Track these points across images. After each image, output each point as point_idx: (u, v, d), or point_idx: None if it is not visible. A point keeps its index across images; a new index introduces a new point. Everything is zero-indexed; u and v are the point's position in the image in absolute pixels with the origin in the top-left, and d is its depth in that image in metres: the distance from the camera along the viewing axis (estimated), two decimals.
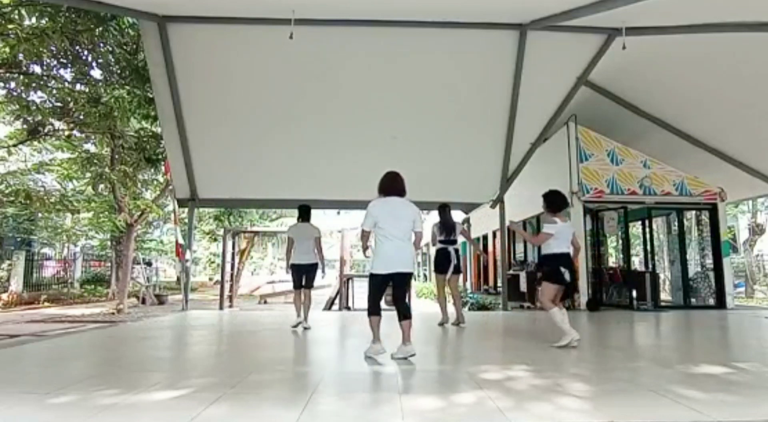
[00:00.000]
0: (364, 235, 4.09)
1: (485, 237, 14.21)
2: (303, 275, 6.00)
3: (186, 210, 9.56)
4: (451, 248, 6.16)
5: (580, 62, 7.39)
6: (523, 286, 10.41)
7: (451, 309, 6.42)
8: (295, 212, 6.55)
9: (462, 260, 6.85)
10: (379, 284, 3.96)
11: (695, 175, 9.65)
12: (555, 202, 4.66)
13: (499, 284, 9.05)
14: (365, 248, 4.35)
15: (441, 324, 6.20)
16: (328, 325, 6.87)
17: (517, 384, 3.02)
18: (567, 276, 4.43)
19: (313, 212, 6.39)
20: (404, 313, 3.89)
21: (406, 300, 4.13)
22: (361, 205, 5.72)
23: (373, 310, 3.94)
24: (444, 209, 6.35)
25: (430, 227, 6.58)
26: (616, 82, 9.00)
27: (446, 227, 6.19)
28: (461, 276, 8.03)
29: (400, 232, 3.93)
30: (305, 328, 5.86)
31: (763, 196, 12.44)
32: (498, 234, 10.29)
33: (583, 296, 9.06)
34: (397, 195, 4.05)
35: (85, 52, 9.63)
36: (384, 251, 3.92)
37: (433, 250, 6.82)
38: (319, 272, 6.08)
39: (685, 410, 2.47)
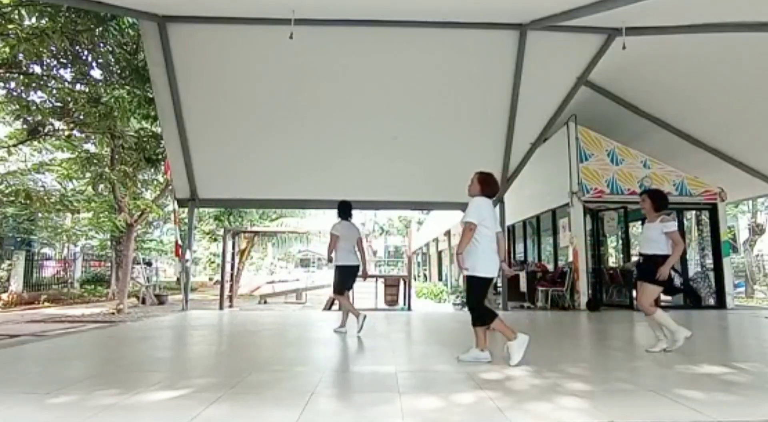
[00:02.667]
0: (472, 230, 3.68)
1: None
2: (353, 277, 5.77)
3: (186, 210, 9.56)
4: None
5: (580, 62, 7.39)
6: (523, 286, 10.43)
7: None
8: (295, 212, 6.51)
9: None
10: (486, 286, 3.79)
11: (695, 175, 9.65)
12: (665, 202, 4.46)
13: (500, 284, 9.05)
14: (468, 243, 3.71)
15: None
16: (328, 325, 6.86)
17: (517, 384, 3.03)
18: (677, 280, 4.27)
19: (312, 212, 6.36)
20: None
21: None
22: (362, 205, 5.72)
23: (492, 312, 3.74)
24: None
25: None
26: (616, 82, 9.01)
27: None
28: (461, 276, 7.96)
29: (496, 235, 3.86)
30: (344, 333, 5.57)
31: (763, 196, 12.45)
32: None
33: (583, 296, 9.07)
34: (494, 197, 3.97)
35: (85, 52, 9.62)
36: (491, 250, 3.77)
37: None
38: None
39: (685, 410, 2.47)
